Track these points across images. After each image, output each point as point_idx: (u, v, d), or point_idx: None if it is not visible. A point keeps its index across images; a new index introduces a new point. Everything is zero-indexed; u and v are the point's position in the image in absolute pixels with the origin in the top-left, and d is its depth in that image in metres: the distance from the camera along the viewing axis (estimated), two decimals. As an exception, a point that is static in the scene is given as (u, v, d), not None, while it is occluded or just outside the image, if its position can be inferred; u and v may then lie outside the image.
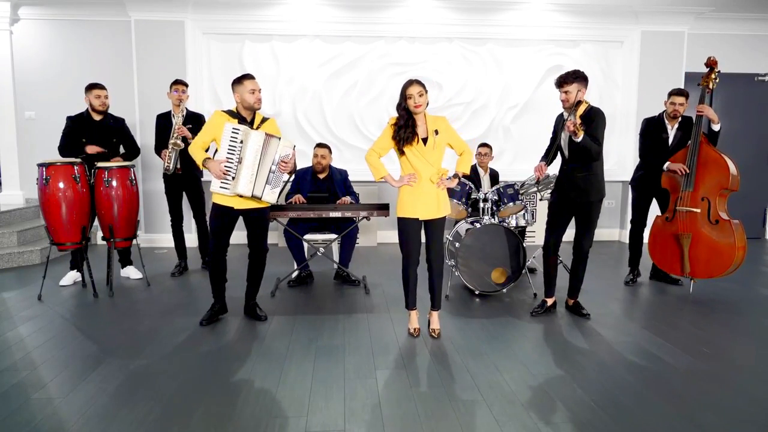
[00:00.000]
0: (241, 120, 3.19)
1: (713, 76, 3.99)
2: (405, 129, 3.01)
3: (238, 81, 3.17)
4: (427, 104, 3.04)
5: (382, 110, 6.06)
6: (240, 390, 2.50)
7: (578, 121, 3.18)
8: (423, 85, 3.00)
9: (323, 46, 5.95)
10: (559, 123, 3.50)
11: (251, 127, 3.19)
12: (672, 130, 4.18)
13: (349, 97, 6.04)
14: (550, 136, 3.67)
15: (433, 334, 3.21)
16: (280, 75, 5.95)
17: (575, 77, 3.27)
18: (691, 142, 3.94)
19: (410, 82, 2.99)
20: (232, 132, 3.09)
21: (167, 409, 2.32)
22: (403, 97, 3.00)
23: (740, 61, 6.33)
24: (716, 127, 3.94)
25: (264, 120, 3.29)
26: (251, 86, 3.13)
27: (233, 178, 3.12)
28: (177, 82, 4.39)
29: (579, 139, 3.20)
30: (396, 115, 3.08)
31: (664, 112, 4.22)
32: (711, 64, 4.00)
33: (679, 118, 4.18)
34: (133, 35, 5.62)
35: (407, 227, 3.11)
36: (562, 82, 3.30)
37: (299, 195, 4.27)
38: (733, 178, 3.84)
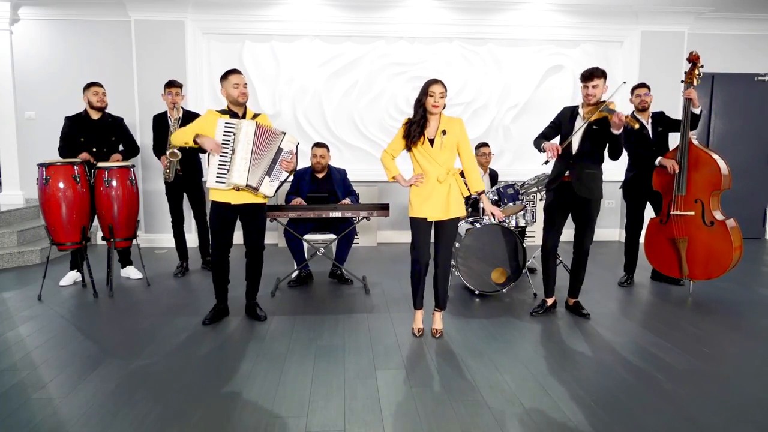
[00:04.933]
0: (233, 116, 3.24)
1: (696, 71, 3.92)
2: (416, 126, 3.01)
3: (224, 77, 3.22)
4: (444, 107, 3.04)
5: (382, 110, 6.07)
6: (240, 390, 2.50)
7: (629, 119, 3.15)
8: (446, 88, 2.99)
9: (323, 46, 5.95)
10: (569, 116, 3.45)
11: None
12: (648, 125, 4.19)
13: (349, 97, 6.04)
14: (550, 123, 3.57)
15: (435, 334, 3.21)
16: (280, 75, 5.95)
17: (603, 73, 3.27)
18: (679, 143, 3.92)
19: (435, 81, 2.98)
20: (226, 126, 3.13)
21: (167, 409, 2.32)
22: (425, 93, 2.97)
23: (740, 61, 6.34)
24: (696, 111, 3.86)
25: (255, 116, 3.31)
26: (235, 80, 3.18)
27: (228, 170, 3.14)
28: (170, 84, 4.34)
29: (617, 133, 3.20)
30: (409, 116, 3.08)
31: (633, 110, 4.24)
32: (693, 59, 3.92)
33: (650, 112, 4.21)
34: (133, 35, 5.63)
35: (417, 227, 3.11)
36: (592, 75, 3.25)
37: (299, 198, 4.27)
38: (724, 178, 3.83)
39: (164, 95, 4.37)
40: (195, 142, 3.14)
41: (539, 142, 3.49)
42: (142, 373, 2.67)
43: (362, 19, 5.85)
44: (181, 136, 3.19)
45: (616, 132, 3.21)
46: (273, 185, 3.25)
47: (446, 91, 3.00)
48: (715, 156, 3.86)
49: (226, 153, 3.13)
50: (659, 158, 4.02)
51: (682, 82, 4.01)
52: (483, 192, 3.17)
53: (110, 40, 5.81)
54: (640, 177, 4.21)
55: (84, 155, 4.09)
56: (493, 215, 3.19)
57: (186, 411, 2.30)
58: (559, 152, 3.30)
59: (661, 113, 4.23)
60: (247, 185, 3.16)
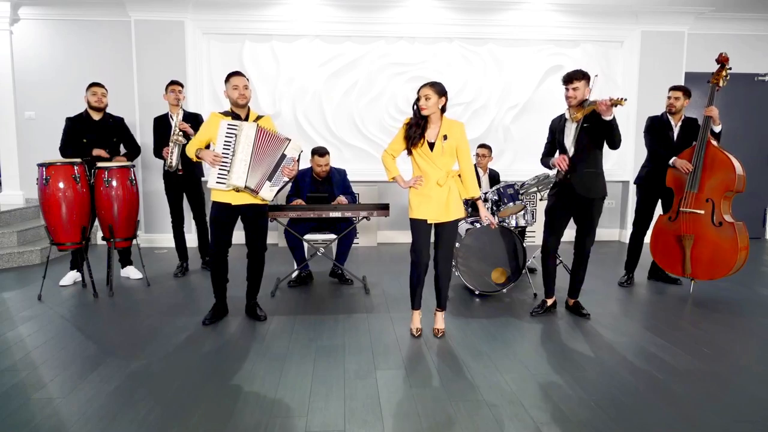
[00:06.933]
0: (235, 118, 3.26)
1: (724, 73, 3.91)
2: (415, 129, 3.03)
3: (226, 79, 3.27)
4: (444, 110, 3.04)
5: (382, 110, 6.07)
6: (240, 390, 2.50)
7: (614, 99, 3.12)
8: (435, 90, 2.98)
9: (323, 46, 5.95)
10: (558, 125, 3.50)
11: None
12: (676, 128, 4.18)
13: (349, 97, 6.04)
14: (547, 140, 3.64)
15: (436, 333, 3.21)
16: (280, 75, 5.95)
17: (584, 75, 3.29)
18: (697, 142, 3.92)
19: (423, 84, 3.02)
20: (228, 128, 3.15)
21: (167, 409, 2.32)
22: (417, 97, 3.03)
23: (740, 61, 6.31)
24: (717, 129, 3.92)
25: (258, 117, 3.34)
26: (234, 82, 3.22)
27: (228, 171, 3.16)
28: (173, 83, 4.39)
29: (609, 118, 3.19)
30: (409, 116, 3.10)
31: (666, 110, 4.24)
32: (723, 60, 3.90)
33: (682, 116, 4.18)
34: (133, 35, 5.63)
35: (417, 228, 3.12)
36: (572, 78, 3.30)
37: (300, 200, 4.27)
38: (739, 179, 3.82)
39: (166, 95, 4.38)
40: (198, 157, 3.22)
41: (546, 161, 3.57)
42: (142, 373, 2.67)
43: (362, 19, 5.85)
44: (190, 149, 3.26)
45: (608, 118, 3.20)
46: (273, 190, 3.27)
47: (437, 92, 2.98)
48: (732, 158, 3.84)
49: (228, 154, 3.15)
50: (673, 158, 4.01)
51: (708, 82, 4.00)
52: (479, 198, 3.19)
53: (110, 40, 5.81)
54: (655, 172, 4.19)
55: (99, 151, 4.14)
56: (489, 221, 3.23)
57: (186, 411, 2.30)
58: (568, 163, 3.34)
59: (694, 120, 4.16)
60: (245, 187, 3.18)
